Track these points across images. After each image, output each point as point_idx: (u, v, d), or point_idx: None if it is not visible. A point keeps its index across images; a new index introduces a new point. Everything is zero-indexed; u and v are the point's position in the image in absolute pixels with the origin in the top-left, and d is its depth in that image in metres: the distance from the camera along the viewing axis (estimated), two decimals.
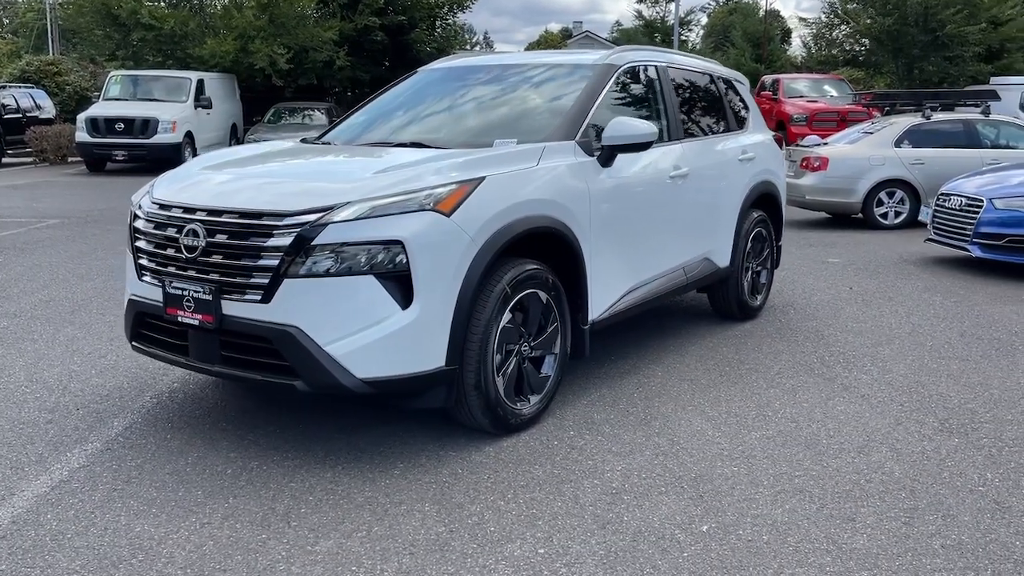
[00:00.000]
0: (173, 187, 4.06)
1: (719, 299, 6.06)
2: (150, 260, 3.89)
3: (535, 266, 3.96)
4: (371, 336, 3.44)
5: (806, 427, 4.14)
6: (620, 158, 4.54)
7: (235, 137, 22.49)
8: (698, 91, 5.89)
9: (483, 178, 3.77)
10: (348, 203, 3.49)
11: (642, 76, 5.20)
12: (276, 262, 3.46)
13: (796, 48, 39.83)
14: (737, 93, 6.41)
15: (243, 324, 3.56)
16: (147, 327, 4.02)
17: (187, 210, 3.77)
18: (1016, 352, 5.46)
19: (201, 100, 20.04)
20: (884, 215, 11.55)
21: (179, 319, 3.72)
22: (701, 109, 5.83)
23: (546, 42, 53.13)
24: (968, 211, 8.19)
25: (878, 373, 5.00)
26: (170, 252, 3.78)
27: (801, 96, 20.21)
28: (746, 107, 6.45)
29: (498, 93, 4.99)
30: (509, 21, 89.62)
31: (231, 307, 3.57)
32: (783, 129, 19.43)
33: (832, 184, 11.62)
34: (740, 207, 5.93)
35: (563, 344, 4.24)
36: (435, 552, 2.98)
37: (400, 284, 3.48)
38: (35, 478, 3.57)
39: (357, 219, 3.45)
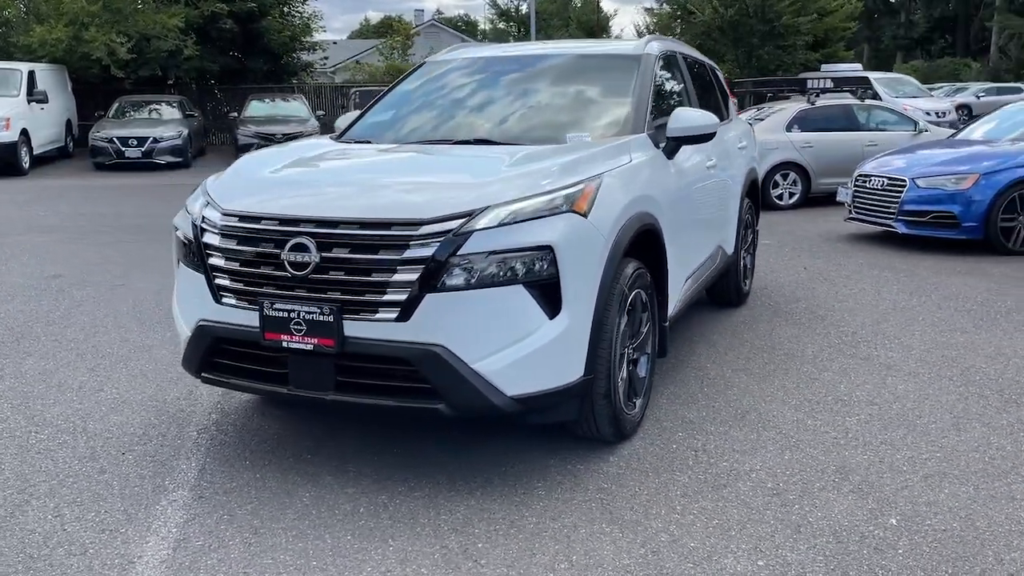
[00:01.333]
0: (250, 196, 3.61)
1: (720, 287, 6.14)
2: (234, 280, 3.44)
3: (640, 265, 3.84)
4: (521, 351, 3.21)
5: (889, 408, 4.26)
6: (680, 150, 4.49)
7: (71, 135, 20.61)
8: (704, 80, 5.92)
9: (601, 176, 3.60)
10: (487, 208, 3.22)
11: (671, 65, 5.15)
12: (415, 276, 3.14)
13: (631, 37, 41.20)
14: (720, 81, 6.51)
15: (373, 346, 3.22)
16: (226, 355, 3.57)
17: (285, 222, 3.36)
18: (997, 320, 5.87)
19: (36, 94, 18.19)
20: (779, 196, 12.16)
21: (284, 344, 3.32)
22: (709, 97, 5.87)
23: (379, 28, 52.14)
24: (891, 191, 8.75)
25: (902, 350, 5.23)
26: (267, 270, 3.35)
27: None
28: (726, 95, 6.56)
29: (542, 86, 4.78)
30: (327, 7, 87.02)
31: (356, 328, 3.22)
32: None
33: None
34: (740, 195, 6.04)
35: (654, 343, 4.14)
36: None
37: (546, 293, 3.26)
38: (142, 540, 3.08)
39: (501, 225, 3.19)
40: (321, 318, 3.24)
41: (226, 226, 3.49)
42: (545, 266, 3.22)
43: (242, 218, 3.47)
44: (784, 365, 4.95)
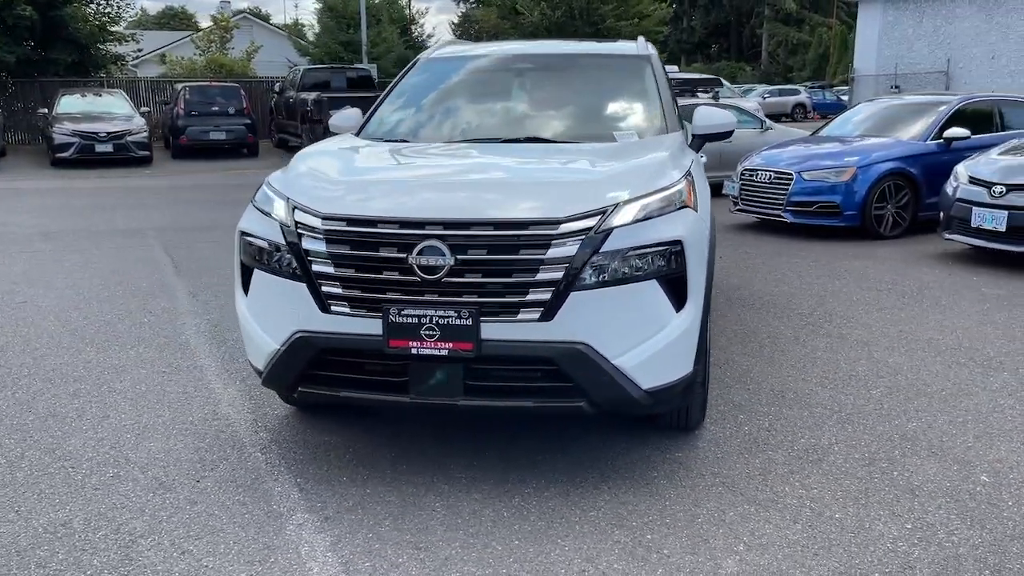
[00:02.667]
0: (347, 199, 3.44)
1: None
2: (347, 287, 3.28)
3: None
4: (656, 345, 3.29)
5: (899, 380, 4.71)
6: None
7: None
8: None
9: (690, 172, 3.75)
10: (617, 205, 3.27)
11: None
12: (560, 275, 3.15)
13: (446, 37, 41.34)
14: None
15: (514, 347, 3.18)
16: (329, 366, 3.39)
17: (407, 224, 3.24)
18: (917, 298, 6.59)
19: None
20: None
21: (413, 352, 3.21)
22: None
23: (160, 19, 48.87)
24: (779, 184, 9.51)
25: (863, 328, 5.76)
26: (391, 275, 3.22)
27: None
28: None
29: (562, 84, 4.84)
30: None
31: (494, 330, 3.17)
32: None
33: None
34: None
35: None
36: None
37: (675, 287, 3.37)
38: (304, 569, 2.89)
39: (635, 221, 3.27)
40: (458, 322, 3.16)
41: (333, 231, 3.30)
42: (675, 261, 3.32)
43: (352, 222, 3.30)
44: (776, 347, 5.32)
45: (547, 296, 3.15)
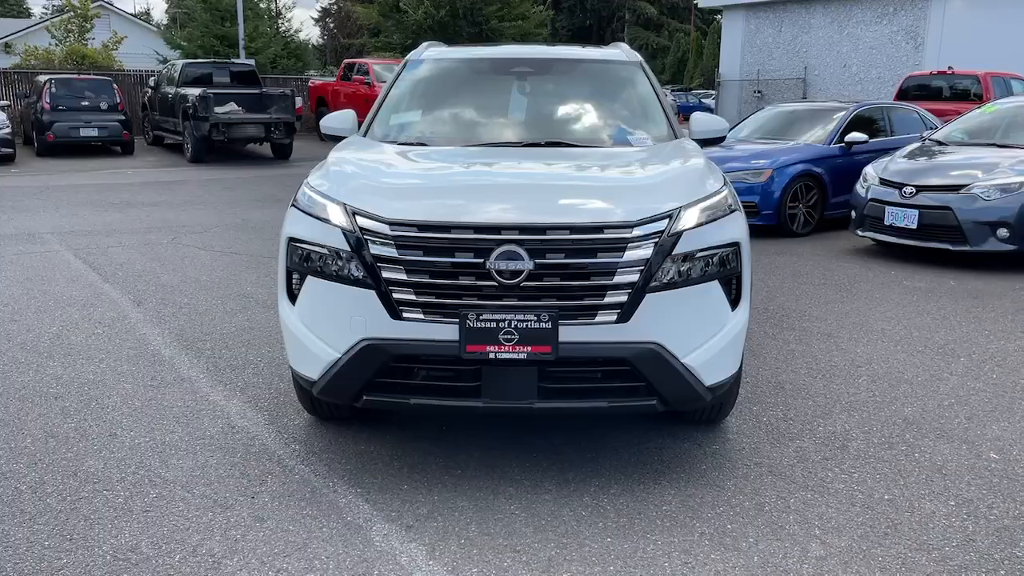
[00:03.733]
0: (410, 204, 3.40)
1: None
2: (421, 294, 3.26)
3: None
4: (719, 343, 3.45)
5: (892, 370, 5.07)
6: None
7: None
8: None
9: (724, 176, 3.93)
10: (680, 208, 3.40)
11: None
12: (636, 277, 3.25)
13: (311, 31, 40.33)
14: None
15: (590, 349, 3.26)
16: (398, 374, 3.36)
17: (482, 229, 3.25)
18: (854, 292, 7.08)
19: None
20: None
21: (491, 356, 3.23)
22: None
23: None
24: None
25: (836, 321, 6.14)
26: (468, 281, 3.23)
27: None
28: None
29: (566, 89, 4.92)
30: None
31: (571, 332, 3.24)
32: None
33: None
34: None
35: None
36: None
37: (731, 287, 3.53)
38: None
39: (699, 225, 3.41)
40: (538, 325, 3.20)
41: (404, 236, 3.27)
42: (733, 261, 3.49)
43: (423, 227, 3.28)
44: (752, 341, 5.60)
45: (624, 298, 3.24)
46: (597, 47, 5.36)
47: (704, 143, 4.78)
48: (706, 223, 3.42)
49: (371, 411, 4.05)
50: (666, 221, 3.32)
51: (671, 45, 60.14)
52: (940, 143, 9.10)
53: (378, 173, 3.78)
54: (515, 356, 3.22)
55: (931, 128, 10.85)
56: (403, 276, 3.26)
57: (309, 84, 24.53)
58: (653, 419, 4.14)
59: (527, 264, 3.19)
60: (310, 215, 3.53)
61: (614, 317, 3.24)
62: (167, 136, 19.68)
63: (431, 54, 5.17)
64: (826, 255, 8.71)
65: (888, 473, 3.66)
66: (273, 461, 3.74)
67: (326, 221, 3.44)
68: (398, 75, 5.01)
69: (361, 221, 3.35)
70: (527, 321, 3.20)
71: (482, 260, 3.20)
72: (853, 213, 8.90)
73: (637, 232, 3.27)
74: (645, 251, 3.26)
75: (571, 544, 3.08)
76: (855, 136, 10.09)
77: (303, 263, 3.49)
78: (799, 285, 7.29)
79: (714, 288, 3.43)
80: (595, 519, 3.26)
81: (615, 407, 3.37)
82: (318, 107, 23.42)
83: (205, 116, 16.92)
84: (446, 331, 3.24)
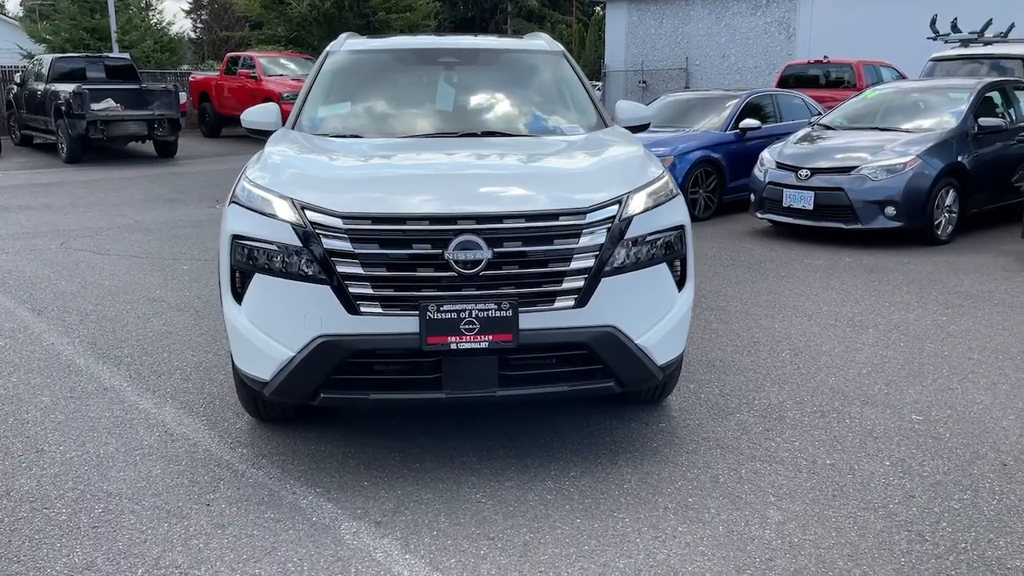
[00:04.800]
0: (359, 195, 3.36)
1: None
2: (379, 287, 3.22)
3: None
4: (668, 324, 3.55)
5: (840, 352, 5.33)
6: None
7: None
8: None
9: (659, 161, 4.03)
10: (628, 193, 3.48)
11: None
12: (591, 263, 3.31)
13: (183, 24, 38.79)
14: None
15: (549, 335, 3.31)
16: (355, 370, 3.32)
17: (438, 220, 3.24)
18: (781, 274, 7.40)
19: None
20: None
21: (452, 347, 3.23)
22: None
23: None
24: None
25: (765, 302, 6.39)
26: (426, 272, 3.22)
27: (282, 74, 20.55)
28: None
29: (490, 79, 4.92)
30: None
31: (530, 319, 3.28)
32: None
33: None
34: None
35: None
36: None
37: (677, 269, 3.64)
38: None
39: (647, 209, 3.50)
40: (499, 314, 3.23)
41: (358, 230, 3.23)
42: (679, 244, 3.60)
43: (378, 220, 3.25)
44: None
45: (581, 284, 3.29)
46: (518, 37, 5.38)
47: (634, 130, 4.88)
48: (653, 207, 3.51)
49: (316, 410, 3.98)
50: (616, 207, 3.40)
51: (553, 37, 60.80)
52: (828, 127, 9.57)
53: (320, 166, 3.70)
54: (476, 346, 3.23)
55: (815, 114, 11.40)
56: (359, 270, 3.21)
57: (190, 79, 23.63)
58: (598, 401, 4.22)
59: (486, 253, 3.20)
60: (254, 211, 3.43)
61: (572, 302, 3.29)
62: (37, 136, 18.60)
63: (352, 45, 5.09)
64: (730, 237, 9.03)
65: (825, 440, 3.86)
66: (222, 467, 3.63)
67: (272, 216, 3.36)
68: (320, 67, 4.91)
69: (311, 215, 3.28)
70: (488, 310, 3.21)
71: (440, 251, 3.19)
72: (752, 196, 9.26)
73: (590, 218, 3.33)
74: (599, 237, 3.32)
75: (543, 528, 3.12)
76: (749, 122, 10.49)
77: (249, 261, 3.40)
78: (710, 267, 7.55)
79: (662, 271, 3.53)
80: (561, 502, 3.31)
81: (574, 391, 3.43)
82: (200, 103, 22.63)
83: (81, 114, 16.06)
84: (405, 324, 3.22)
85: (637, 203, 3.46)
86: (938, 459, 3.66)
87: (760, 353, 5.10)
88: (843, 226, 8.37)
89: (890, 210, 8.19)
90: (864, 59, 15.87)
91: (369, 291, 3.22)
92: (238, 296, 3.48)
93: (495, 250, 3.21)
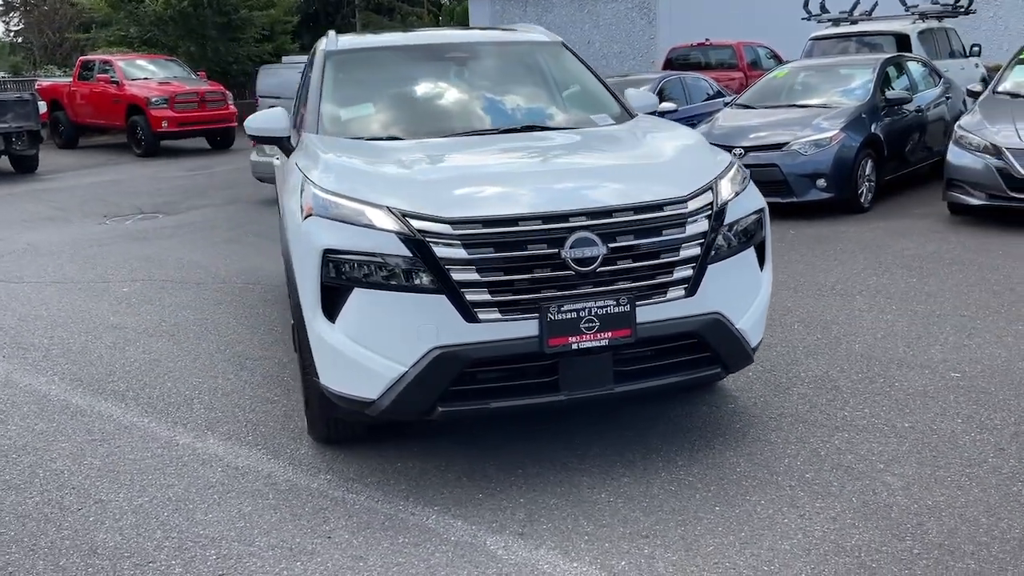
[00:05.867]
0: (466, 198, 3.25)
1: None
2: (496, 292, 3.12)
3: None
4: (758, 307, 3.61)
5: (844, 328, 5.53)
6: None
7: None
8: None
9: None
10: (716, 179, 3.51)
11: None
12: (698, 251, 3.33)
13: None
14: None
15: (663, 326, 3.30)
16: (474, 380, 3.20)
17: (550, 219, 3.17)
18: None
19: None
20: None
21: (573, 347, 3.18)
22: None
23: None
24: None
25: None
26: (543, 273, 3.14)
27: (145, 78, 19.38)
28: None
29: (506, 72, 4.82)
30: None
31: (646, 312, 3.26)
32: (140, 113, 18.57)
33: None
34: None
35: None
36: None
37: (760, 252, 3.69)
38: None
39: (735, 194, 3.54)
40: (617, 310, 3.19)
41: (471, 234, 3.11)
42: (761, 228, 3.66)
43: (488, 223, 3.13)
44: None
45: (690, 272, 3.30)
46: (511, 29, 5.29)
47: None
48: (739, 192, 3.55)
49: (385, 427, 3.82)
50: (710, 193, 3.41)
51: (404, 30, 60.20)
52: (747, 107, 9.96)
53: (396, 171, 3.51)
54: (597, 344, 3.18)
55: (714, 95, 11.82)
56: (475, 276, 3.09)
57: (37, 87, 21.90)
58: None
59: (601, 249, 3.15)
60: (345, 222, 3.23)
61: (682, 292, 3.30)
62: None
63: (349, 43, 4.87)
64: None
65: (889, 404, 4.03)
66: (316, 496, 3.42)
67: (370, 227, 3.18)
68: (323, 68, 4.64)
69: (417, 223, 3.12)
70: (606, 307, 3.17)
71: (556, 250, 3.12)
72: None
73: (691, 206, 3.33)
74: (702, 224, 3.33)
75: (687, 519, 3.11)
76: (667, 106, 10.71)
77: (346, 275, 3.20)
78: None
79: (751, 255, 3.58)
80: (687, 492, 3.31)
81: (685, 380, 3.44)
82: (51, 112, 21.02)
83: None
84: (524, 327, 3.14)
85: (726, 189, 3.50)
86: (1001, 411, 3.89)
87: (774, 327, 5.25)
88: (780, 200, 8.72)
89: (821, 182, 8.61)
90: (744, 40, 16.58)
91: (486, 297, 3.11)
92: (331, 314, 3.27)
93: (609, 245, 3.17)
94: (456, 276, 3.08)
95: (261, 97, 24.19)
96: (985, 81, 9.95)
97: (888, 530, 2.97)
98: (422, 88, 4.64)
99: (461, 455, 3.69)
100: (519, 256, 3.12)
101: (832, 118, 8.93)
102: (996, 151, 7.63)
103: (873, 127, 9.06)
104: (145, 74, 19.79)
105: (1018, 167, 7.45)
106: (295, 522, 3.22)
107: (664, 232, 3.27)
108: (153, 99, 18.60)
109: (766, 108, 9.81)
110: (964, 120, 8.30)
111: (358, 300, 3.19)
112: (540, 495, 3.33)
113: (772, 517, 3.09)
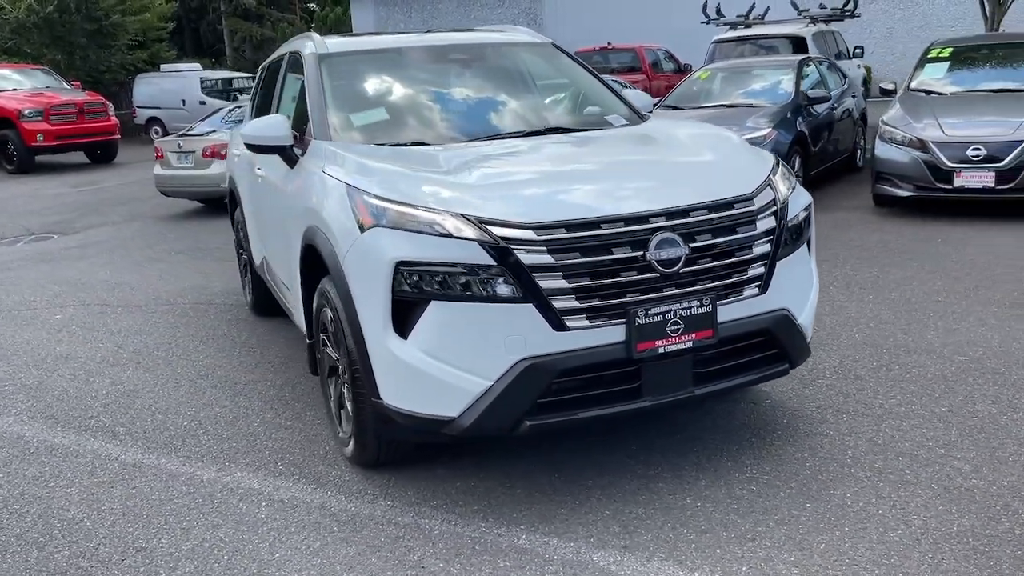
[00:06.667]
0: (540, 202, 3.11)
1: None
2: (584, 298, 3.01)
3: None
4: (812, 301, 3.64)
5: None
6: None
7: None
8: None
9: None
10: (770, 177, 3.52)
11: None
12: (768, 248, 3.32)
13: None
14: None
15: (739, 325, 3.27)
16: (561, 390, 3.08)
17: (633, 220, 3.09)
18: None
19: None
20: None
21: (659, 350, 3.11)
22: None
23: None
24: None
25: None
26: (629, 276, 3.06)
27: (13, 90, 18.04)
28: None
29: (510, 74, 4.68)
30: None
31: (724, 312, 3.23)
32: (10, 127, 17.34)
33: None
34: None
35: None
36: None
37: (809, 245, 3.72)
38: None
39: (791, 191, 3.56)
40: (700, 311, 3.15)
41: (555, 240, 2.98)
42: (809, 223, 3.68)
43: (572, 227, 3.02)
44: None
45: (763, 270, 3.29)
46: (500, 30, 5.16)
47: None
48: (793, 189, 3.57)
49: (424, 446, 3.65)
50: (770, 190, 3.41)
51: (276, 36, 58.65)
52: (676, 107, 10.14)
53: (450, 177, 3.33)
54: (682, 346, 3.12)
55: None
56: (562, 283, 2.98)
57: None
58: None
59: (683, 249, 3.09)
60: (416, 232, 3.04)
61: (756, 290, 3.28)
62: None
63: (340, 46, 4.62)
64: None
65: (917, 390, 4.15)
66: (385, 523, 3.21)
67: (447, 235, 3.00)
68: (319, 72, 4.38)
69: (497, 230, 2.98)
70: (690, 308, 3.12)
71: (640, 252, 3.04)
72: None
73: (758, 204, 3.32)
74: (770, 221, 3.33)
75: (784, 519, 3.09)
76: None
77: (422, 288, 3.01)
78: None
79: (804, 250, 3.61)
80: (769, 491, 3.29)
81: (757, 378, 3.43)
82: None
83: None
84: (611, 334, 3.05)
85: (780, 186, 3.50)
86: (1022, 391, 4.06)
87: None
88: None
89: None
90: (645, 44, 16.96)
91: (574, 304, 2.99)
92: (403, 329, 3.07)
93: (690, 245, 3.11)
94: (543, 283, 2.95)
95: (139, 108, 23.08)
96: (866, 82, 10.53)
97: (981, 514, 3.03)
98: (432, 91, 4.45)
99: (519, 470, 3.55)
100: (605, 260, 3.01)
101: (761, 117, 9.20)
102: (922, 145, 8.05)
103: (799, 124, 9.39)
104: (13, 85, 18.46)
105: (944, 159, 7.88)
106: (377, 554, 3.00)
107: (738, 230, 3.24)
108: (25, 111, 17.41)
109: (695, 109, 10.02)
110: (887, 116, 8.72)
111: (436, 313, 3.01)
112: (624, 505, 3.23)
113: (865, 510, 3.10)
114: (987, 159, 7.73)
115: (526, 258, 2.95)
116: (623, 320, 3.03)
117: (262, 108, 5.83)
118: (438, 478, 3.53)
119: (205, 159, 11.68)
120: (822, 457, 3.52)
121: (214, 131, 12.33)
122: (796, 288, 3.47)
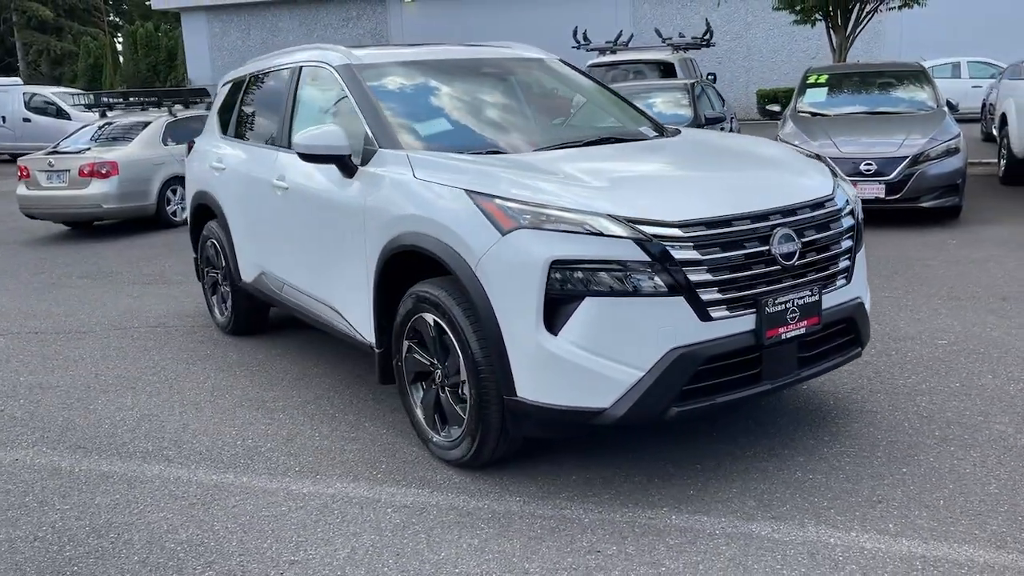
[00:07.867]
0: (672, 202, 3.32)
1: None
2: (724, 290, 3.26)
3: None
4: (868, 289, 4.06)
5: None
6: None
7: None
8: None
9: None
10: (836, 180, 3.91)
11: None
12: (851, 242, 3.71)
13: None
14: None
15: (834, 312, 3.61)
16: (703, 377, 3.31)
17: (757, 218, 3.38)
18: None
19: None
20: (174, 212, 11.87)
21: (783, 337, 3.41)
22: None
23: None
24: None
25: None
26: (758, 269, 3.34)
27: None
28: None
29: (543, 88, 4.87)
30: None
31: (826, 300, 3.58)
32: None
33: (128, 189, 11.28)
34: None
35: None
36: None
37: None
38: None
39: (847, 188, 3.97)
40: (811, 299, 3.47)
41: (698, 236, 3.22)
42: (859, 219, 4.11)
43: (711, 224, 3.26)
44: None
45: (848, 263, 3.67)
46: (506, 45, 5.30)
47: None
48: (846, 187, 3.98)
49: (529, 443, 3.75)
50: (841, 191, 3.80)
51: (79, 50, 54.93)
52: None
53: (563, 180, 3.46)
54: (798, 332, 3.43)
55: None
56: (707, 276, 3.21)
57: None
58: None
59: (798, 244, 3.41)
60: (566, 232, 3.17)
61: (844, 281, 3.65)
62: None
63: (371, 57, 4.62)
64: None
65: (923, 371, 4.67)
66: (532, 518, 3.28)
67: (599, 234, 3.15)
68: (358, 82, 4.36)
69: (648, 228, 3.17)
70: (803, 297, 3.43)
71: (766, 247, 3.33)
72: None
73: (839, 203, 3.70)
74: (849, 219, 3.71)
75: (896, 482, 3.43)
76: None
77: (575, 285, 3.14)
78: None
79: (861, 243, 4.02)
80: (864, 462, 3.62)
81: (840, 362, 3.77)
82: None
83: None
84: (744, 323, 3.30)
85: (846, 186, 3.91)
86: (1017, 368, 4.67)
87: None
88: None
89: None
90: None
91: (717, 295, 3.23)
92: (553, 326, 3.18)
93: (802, 240, 3.43)
94: (693, 277, 3.17)
95: None
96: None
97: None
98: (481, 102, 4.55)
99: (621, 461, 3.70)
100: (740, 255, 3.27)
101: None
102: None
103: None
104: None
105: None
106: (544, 543, 3.08)
107: (831, 226, 3.59)
108: None
109: None
110: (783, 132, 9.55)
111: (590, 308, 3.14)
112: (745, 483, 3.47)
113: (955, 470, 3.51)
114: (877, 173, 8.67)
115: (678, 253, 3.15)
116: (754, 310, 3.29)
117: (240, 124, 5.67)
118: (550, 474, 3.62)
119: (83, 178, 10.97)
120: (886, 430, 3.92)
121: (88, 148, 11.56)
122: (863, 280, 3.87)
